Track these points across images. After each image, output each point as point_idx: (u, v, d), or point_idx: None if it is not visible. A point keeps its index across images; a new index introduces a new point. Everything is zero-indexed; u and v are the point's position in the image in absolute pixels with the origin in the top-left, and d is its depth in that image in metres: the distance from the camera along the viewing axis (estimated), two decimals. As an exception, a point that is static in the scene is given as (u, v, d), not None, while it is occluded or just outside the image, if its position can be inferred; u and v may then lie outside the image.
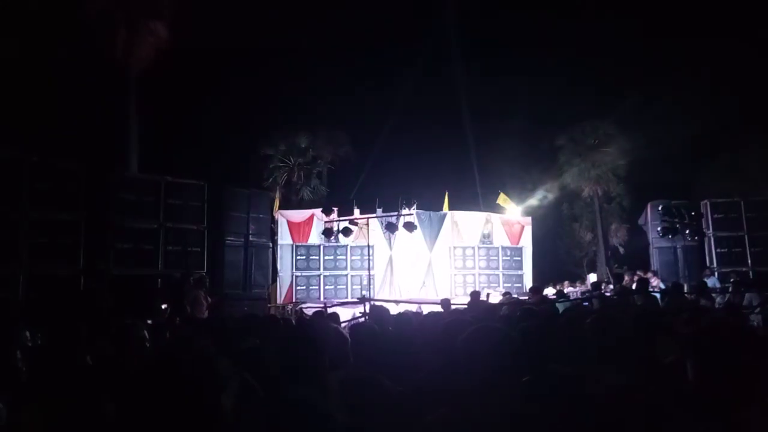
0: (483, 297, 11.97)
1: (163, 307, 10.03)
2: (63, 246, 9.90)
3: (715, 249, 14.15)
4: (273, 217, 15.47)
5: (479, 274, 16.81)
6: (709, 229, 14.34)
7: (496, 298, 12.56)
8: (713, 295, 10.28)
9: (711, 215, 14.31)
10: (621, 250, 26.36)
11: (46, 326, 4.75)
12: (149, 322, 6.48)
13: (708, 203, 14.49)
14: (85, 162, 10.52)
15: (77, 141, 15.55)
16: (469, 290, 14.03)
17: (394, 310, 8.22)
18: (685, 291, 10.74)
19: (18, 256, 9.43)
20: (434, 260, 16.78)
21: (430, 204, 17.49)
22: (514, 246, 17.53)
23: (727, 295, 10.66)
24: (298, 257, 15.68)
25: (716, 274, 13.50)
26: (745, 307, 9.07)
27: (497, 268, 17.05)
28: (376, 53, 23.69)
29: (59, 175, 10.05)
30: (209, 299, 10.52)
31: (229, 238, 13.01)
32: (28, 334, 4.74)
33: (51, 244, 9.77)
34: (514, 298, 11.96)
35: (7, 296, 9.20)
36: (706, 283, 11.15)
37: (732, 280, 11.68)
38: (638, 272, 13.74)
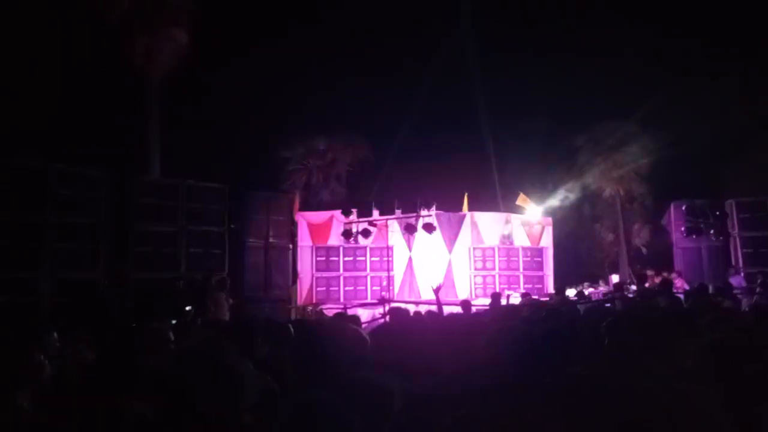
0: (503, 298, 11.90)
1: (187, 308, 10.16)
2: (85, 250, 10.11)
3: (741, 249, 13.88)
4: (293, 219, 15.57)
5: (499, 275, 16.70)
6: (734, 229, 14.07)
7: (516, 300, 12.47)
8: (739, 296, 10.08)
9: (736, 215, 14.03)
10: (644, 250, 25.96)
11: (72, 329, 4.84)
12: (174, 322, 6.58)
13: (733, 203, 14.20)
14: (107, 167, 10.75)
15: (100, 146, 15.83)
16: (489, 291, 13.95)
17: (413, 311, 8.17)
18: (710, 292, 10.53)
19: (41, 261, 9.66)
20: (454, 261, 16.72)
21: (450, 205, 17.44)
22: (535, 247, 17.39)
23: (755, 297, 10.44)
24: (318, 259, 15.74)
25: (741, 273, 13.23)
26: (773, 309, 8.85)
27: (517, 269, 16.92)
28: (394, 53, 23.70)
29: (82, 181, 10.29)
30: (230, 301, 10.65)
31: (249, 240, 13.14)
32: (56, 335, 4.83)
33: (74, 249, 9.98)
34: (535, 299, 11.85)
35: (31, 300, 9.42)
36: (731, 284, 10.93)
37: (759, 281, 11.44)
38: (664, 273, 13.53)
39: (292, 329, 3.87)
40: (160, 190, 11.72)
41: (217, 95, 21.24)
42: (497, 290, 13.70)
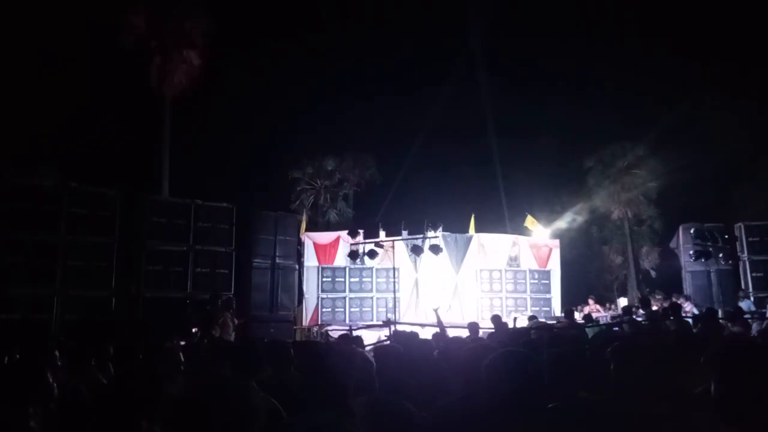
0: (509, 321, 11.83)
1: (194, 330, 10.15)
2: (97, 268, 10.20)
3: (751, 273, 13.77)
4: (300, 240, 15.60)
5: (506, 298, 16.61)
6: (743, 253, 13.97)
7: (523, 323, 12.37)
8: (749, 321, 9.97)
9: (746, 238, 13.95)
10: (652, 273, 25.79)
11: (78, 347, 4.87)
12: (183, 343, 6.59)
13: (742, 226, 14.13)
14: (119, 187, 10.88)
15: (113, 166, 16.03)
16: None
17: (420, 333, 8.14)
18: (720, 316, 10.43)
19: (54, 279, 9.74)
20: (460, 283, 16.65)
21: (456, 226, 17.44)
22: (542, 269, 17.30)
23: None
24: (324, 279, 15.74)
25: (751, 297, 13.11)
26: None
27: (525, 292, 16.82)
28: (403, 76, 23.96)
29: (95, 200, 10.42)
30: (236, 321, 10.64)
31: (256, 260, 13.16)
32: (57, 353, 4.85)
33: (85, 267, 10.07)
34: (542, 322, 11.76)
35: (44, 317, 9.48)
36: (741, 308, 10.83)
37: (769, 305, 11.33)
38: (672, 297, 13.43)
39: (292, 351, 3.88)
40: (171, 209, 11.81)
41: (227, 115, 21.51)
42: (504, 312, 13.61)
